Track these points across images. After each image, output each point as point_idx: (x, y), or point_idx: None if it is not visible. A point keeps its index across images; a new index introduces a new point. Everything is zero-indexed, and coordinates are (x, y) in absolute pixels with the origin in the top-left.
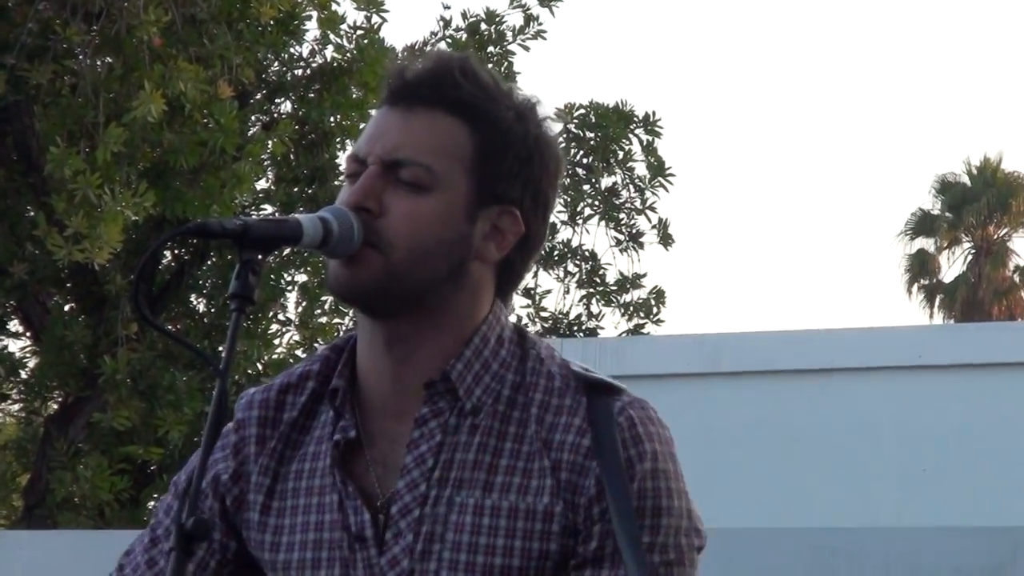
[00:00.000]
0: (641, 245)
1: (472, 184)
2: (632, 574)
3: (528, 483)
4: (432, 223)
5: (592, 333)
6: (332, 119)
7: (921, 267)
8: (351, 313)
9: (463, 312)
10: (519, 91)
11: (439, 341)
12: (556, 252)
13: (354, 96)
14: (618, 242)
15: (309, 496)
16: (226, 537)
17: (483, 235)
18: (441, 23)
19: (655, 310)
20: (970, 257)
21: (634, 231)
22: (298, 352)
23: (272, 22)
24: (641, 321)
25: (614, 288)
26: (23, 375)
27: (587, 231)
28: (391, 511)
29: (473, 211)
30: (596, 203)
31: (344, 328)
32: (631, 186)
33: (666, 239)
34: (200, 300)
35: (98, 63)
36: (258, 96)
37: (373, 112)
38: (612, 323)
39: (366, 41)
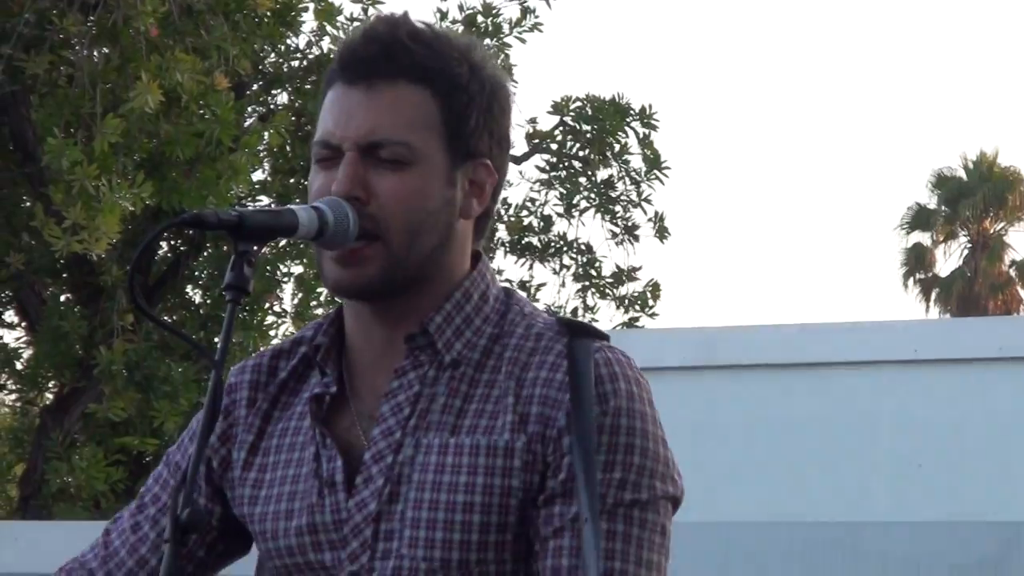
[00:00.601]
0: (637, 238)
1: (446, 148)
2: (582, 502)
3: (493, 423)
4: (420, 197)
5: None
6: None
7: (917, 261)
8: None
9: (449, 268)
10: (458, 36)
11: (428, 299)
12: (552, 245)
13: None
14: (614, 235)
15: (291, 452)
16: (211, 502)
17: (464, 193)
18: (437, 15)
19: (650, 303)
20: (966, 251)
21: (630, 224)
22: None
23: (269, 13)
24: (636, 314)
25: (609, 281)
26: (18, 366)
27: (583, 224)
28: (364, 457)
29: (451, 174)
30: (592, 196)
31: None
32: (627, 179)
33: (662, 232)
34: (196, 291)
35: (95, 54)
36: (255, 87)
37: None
38: (607, 316)
39: None
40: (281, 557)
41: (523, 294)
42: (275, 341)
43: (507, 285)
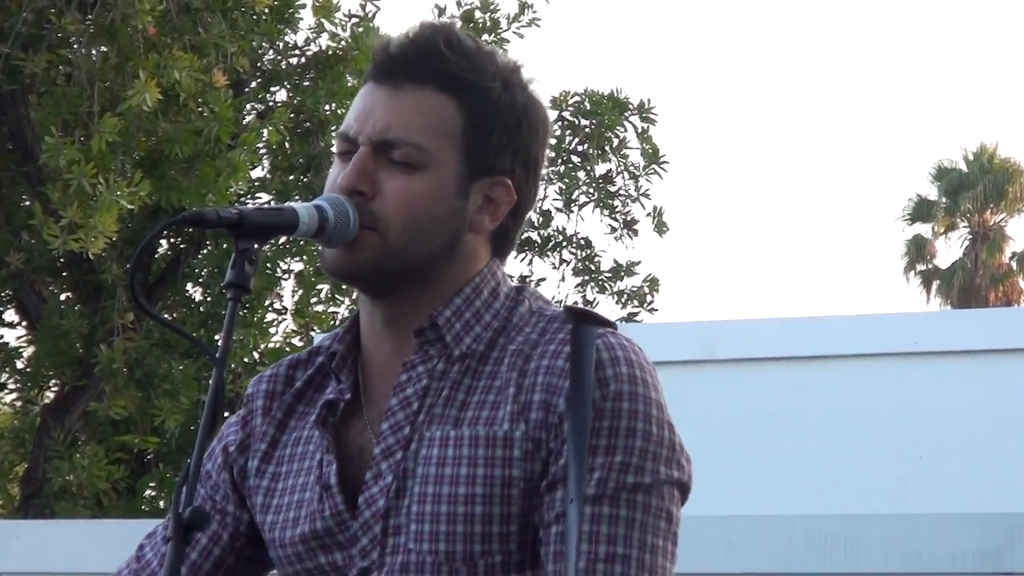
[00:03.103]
0: (636, 232)
1: (463, 159)
2: (569, 485)
3: (494, 414)
4: (425, 201)
5: None
6: (327, 107)
7: (918, 253)
8: (347, 301)
9: (458, 278)
10: (503, 56)
11: (435, 305)
12: (551, 240)
13: (349, 84)
14: (613, 229)
15: (302, 460)
16: (238, 509)
17: (476, 207)
18: (436, 11)
19: (649, 298)
20: (967, 243)
21: (629, 218)
22: (294, 340)
23: (267, 10)
24: (635, 309)
25: (608, 276)
26: (19, 364)
27: (582, 218)
28: (374, 452)
29: (465, 185)
30: (591, 190)
31: (340, 316)
32: (626, 173)
33: (660, 226)
34: (196, 289)
35: (93, 52)
36: (253, 85)
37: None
38: (607, 311)
39: (361, 29)
40: (291, 564)
41: (536, 289)
42: (276, 339)
43: (520, 284)
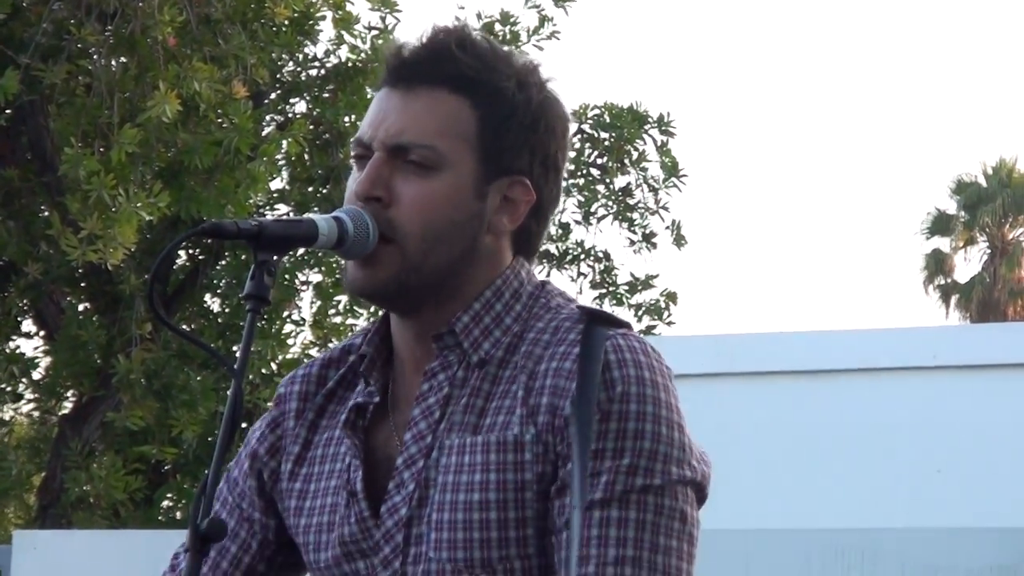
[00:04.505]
0: (654, 245)
1: (479, 159)
2: (575, 493)
3: (508, 419)
4: (443, 205)
5: None
6: (347, 119)
7: (937, 266)
8: (365, 313)
9: (480, 279)
10: (519, 56)
11: (458, 308)
12: (569, 253)
13: (369, 96)
14: (631, 242)
15: (333, 462)
16: (265, 516)
17: (495, 208)
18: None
19: (667, 311)
20: (985, 257)
21: (647, 231)
22: (312, 352)
23: (287, 22)
24: (653, 323)
25: (626, 289)
26: (36, 375)
27: (600, 231)
28: (397, 462)
29: (482, 187)
30: (610, 203)
31: (359, 328)
32: (645, 186)
33: (679, 239)
34: (215, 300)
35: (113, 63)
36: (273, 96)
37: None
38: None
39: (380, 41)
40: (328, 569)
41: (558, 286)
42: (294, 350)
43: (546, 280)
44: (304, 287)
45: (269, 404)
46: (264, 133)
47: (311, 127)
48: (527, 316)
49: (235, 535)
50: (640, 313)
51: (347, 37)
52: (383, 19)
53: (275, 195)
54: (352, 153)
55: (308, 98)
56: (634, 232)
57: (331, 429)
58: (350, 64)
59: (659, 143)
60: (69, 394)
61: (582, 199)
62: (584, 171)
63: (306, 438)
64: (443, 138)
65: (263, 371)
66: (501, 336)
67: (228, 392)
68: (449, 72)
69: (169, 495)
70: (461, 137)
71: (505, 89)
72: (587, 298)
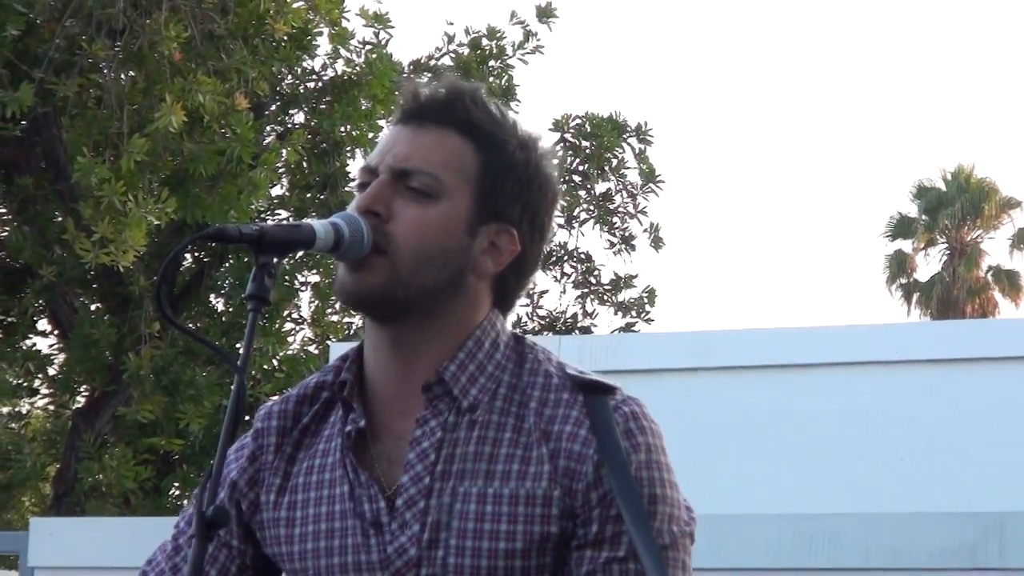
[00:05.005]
0: (633, 247)
1: (474, 199)
2: (645, 557)
3: (527, 469)
4: (436, 230)
5: (587, 331)
6: (342, 129)
7: (900, 267)
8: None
9: (461, 320)
10: (524, 125)
11: (439, 345)
12: (553, 255)
13: (363, 107)
14: (612, 244)
15: (320, 488)
16: (243, 543)
17: (481, 249)
18: (445, 38)
19: (646, 309)
20: (945, 258)
21: (627, 234)
22: (310, 348)
23: (286, 38)
24: (633, 319)
25: (608, 288)
26: (51, 371)
27: (582, 234)
28: (396, 504)
29: (474, 225)
30: (591, 208)
31: (354, 326)
32: (624, 192)
33: (657, 242)
34: (219, 300)
35: (122, 77)
36: (273, 107)
37: (383, 123)
38: (606, 321)
39: (374, 56)
40: None
41: (532, 340)
42: (294, 347)
43: (516, 332)
44: (303, 288)
45: (273, 397)
46: (265, 142)
47: (309, 137)
48: (512, 367)
49: (214, 560)
50: (621, 311)
51: (343, 52)
52: (376, 35)
53: (275, 201)
54: (357, 180)
55: (306, 109)
56: (614, 235)
57: (309, 459)
58: (346, 77)
59: (637, 151)
60: (82, 389)
61: (564, 204)
62: (566, 177)
63: (285, 470)
64: (445, 170)
65: (264, 367)
66: (487, 383)
67: (231, 387)
68: (460, 116)
69: (176, 484)
70: (462, 174)
71: (508, 143)
72: (570, 297)
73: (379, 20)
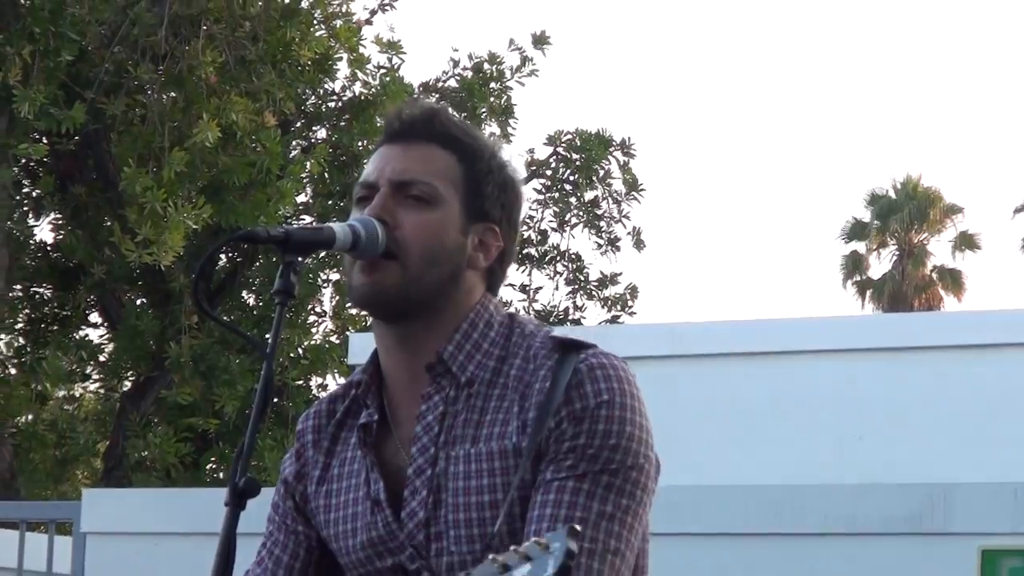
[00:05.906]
0: (618, 248)
1: (462, 204)
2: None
3: (506, 429)
4: (438, 232)
5: (577, 323)
6: (360, 144)
7: (854, 266)
8: None
9: (461, 309)
10: (489, 136)
11: (442, 333)
12: (547, 255)
13: (378, 124)
14: (599, 246)
15: (349, 478)
16: (307, 528)
17: (473, 247)
18: (451, 63)
19: (630, 303)
20: (895, 258)
21: (612, 237)
22: (332, 339)
23: (310, 63)
24: (618, 313)
25: (595, 285)
26: (102, 359)
27: (573, 237)
28: (408, 473)
29: (466, 226)
30: (581, 213)
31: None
32: (610, 199)
33: (639, 243)
34: (250, 295)
35: (164, 97)
36: (298, 124)
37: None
38: (594, 314)
39: (388, 79)
40: (357, 567)
41: (526, 316)
42: (316, 337)
43: (512, 311)
44: (325, 284)
45: (298, 383)
46: (291, 156)
47: (330, 151)
48: (503, 342)
49: (284, 546)
50: (607, 305)
51: (360, 75)
52: (390, 60)
53: (300, 207)
54: (357, 195)
55: (328, 126)
56: (601, 237)
57: (344, 451)
58: (363, 97)
59: (622, 163)
60: (129, 375)
61: (557, 210)
62: (559, 187)
63: (324, 462)
64: (438, 179)
65: (291, 355)
66: (483, 359)
67: (262, 372)
68: (440, 132)
69: (213, 459)
70: (450, 182)
71: (483, 151)
72: (562, 292)
73: (392, 47)
